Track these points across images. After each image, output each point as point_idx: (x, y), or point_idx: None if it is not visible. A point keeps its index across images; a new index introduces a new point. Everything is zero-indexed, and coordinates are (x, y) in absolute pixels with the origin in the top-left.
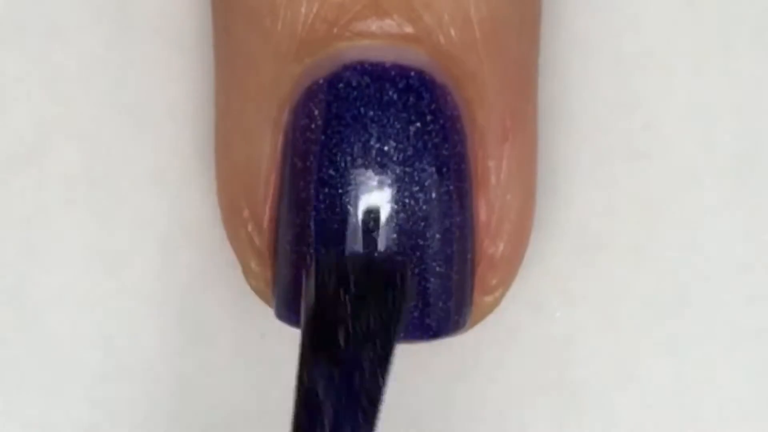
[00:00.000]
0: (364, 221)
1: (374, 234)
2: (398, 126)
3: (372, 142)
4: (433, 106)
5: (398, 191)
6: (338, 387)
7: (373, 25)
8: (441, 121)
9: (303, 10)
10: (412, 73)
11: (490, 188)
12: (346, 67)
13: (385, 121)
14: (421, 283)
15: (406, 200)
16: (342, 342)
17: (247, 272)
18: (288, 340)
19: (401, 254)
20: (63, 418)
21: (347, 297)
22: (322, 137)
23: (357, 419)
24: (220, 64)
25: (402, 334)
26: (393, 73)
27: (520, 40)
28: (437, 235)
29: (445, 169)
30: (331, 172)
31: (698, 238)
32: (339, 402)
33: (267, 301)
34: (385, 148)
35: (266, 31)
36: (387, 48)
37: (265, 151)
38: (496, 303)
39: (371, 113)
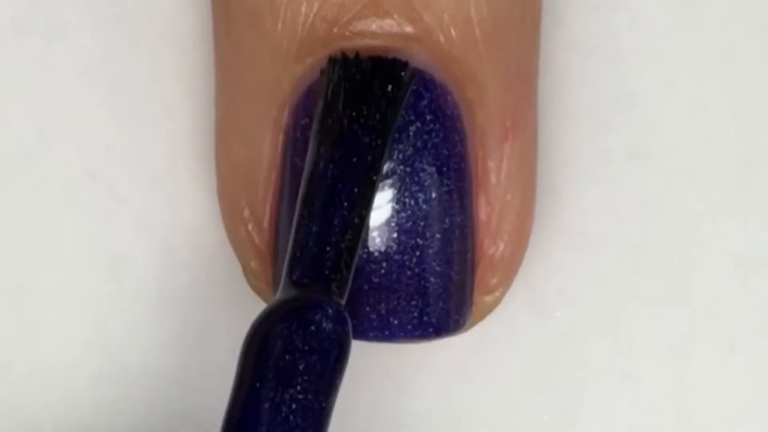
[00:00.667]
0: None
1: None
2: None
3: None
4: (433, 106)
5: (398, 190)
6: (339, 163)
7: (374, 24)
8: (441, 121)
9: (303, 9)
10: None
11: (491, 188)
12: None
13: None
14: (421, 282)
15: (406, 199)
16: (346, 126)
17: (247, 272)
18: None
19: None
20: (63, 418)
21: (353, 88)
22: None
23: (352, 189)
24: (220, 64)
25: (402, 334)
26: None
27: (520, 40)
28: (437, 235)
29: (445, 169)
30: None
31: (698, 237)
32: (340, 174)
33: (267, 301)
34: None
35: (267, 31)
36: (387, 48)
37: (266, 150)
38: (496, 303)
39: None
